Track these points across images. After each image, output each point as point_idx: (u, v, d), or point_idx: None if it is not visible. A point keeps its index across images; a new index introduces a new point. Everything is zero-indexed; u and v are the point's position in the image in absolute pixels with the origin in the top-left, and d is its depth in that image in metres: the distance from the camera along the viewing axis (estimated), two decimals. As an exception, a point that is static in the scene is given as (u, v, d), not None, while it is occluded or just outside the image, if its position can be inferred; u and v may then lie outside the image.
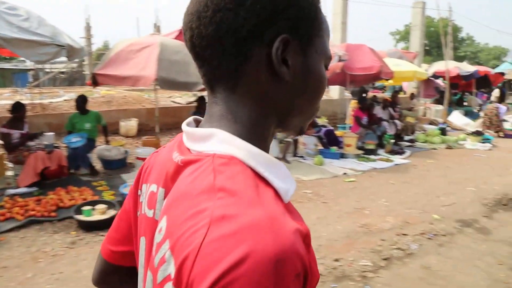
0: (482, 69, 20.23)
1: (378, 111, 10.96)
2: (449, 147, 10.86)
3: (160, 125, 10.80)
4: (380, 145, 10.01)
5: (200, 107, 8.11)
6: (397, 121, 11.07)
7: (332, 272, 4.06)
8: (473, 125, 14.30)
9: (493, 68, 34.11)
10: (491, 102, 20.17)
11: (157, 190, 0.71)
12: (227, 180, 0.55)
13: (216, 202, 0.52)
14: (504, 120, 14.24)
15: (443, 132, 12.22)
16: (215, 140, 0.62)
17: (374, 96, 13.82)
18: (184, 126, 0.70)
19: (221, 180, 0.55)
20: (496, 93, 23.70)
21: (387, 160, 8.96)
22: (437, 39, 32.95)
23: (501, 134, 13.23)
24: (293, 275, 0.48)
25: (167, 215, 0.59)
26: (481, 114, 15.66)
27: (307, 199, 6.29)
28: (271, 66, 0.62)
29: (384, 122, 10.66)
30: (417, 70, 13.03)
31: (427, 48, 41.50)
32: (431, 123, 14.76)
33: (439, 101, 17.46)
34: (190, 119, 0.73)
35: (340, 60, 8.57)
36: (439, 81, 18.65)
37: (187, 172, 0.61)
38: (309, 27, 0.65)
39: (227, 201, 0.52)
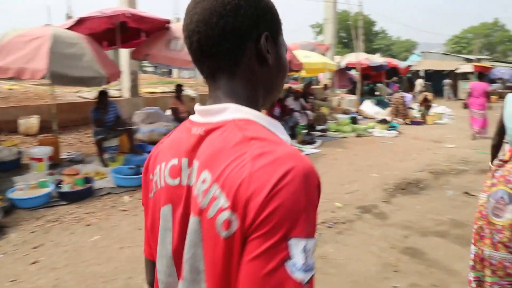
0: (392, 61, 21.37)
1: (290, 102, 11.03)
2: (358, 135, 11.23)
3: (66, 121, 10.01)
4: (292, 136, 10.08)
5: (101, 102, 7.55)
6: (308, 112, 11.22)
7: None
8: (383, 113, 15.00)
9: (404, 60, 36.52)
10: (420, 92, 21.72)
11: (179, 162, 0.85)
12: (253, 132, 0.76)
13: (251, 147, 0.73)
14: (411, 108, 15.11)
15: (353, 121, 12.63)
16: (229, 111, 0.81)
17: (290, 87, 13.95)
18: (197, 107, 0.88)
19: (249, 132, 0.76)
20: (420, 82, 25.36)
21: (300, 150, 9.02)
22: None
23: (407, 121, 13.99)
24: (315, 185, 0.72)
25: (208, 168, 0.76)
26: (390, 102, 16.50)
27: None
28: (259, 56, 0.85)
29: (296, 113, 10.75)
30: (327, 62, 13.35)
31: (345, 41, 43.39)
32: (345, 112, 15.25)
33: (352, 91, 18.13)
34: (196, 108, 0.89)
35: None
36: (352, 73, 19.39)
37: (214, 136, 0.80)
38: (276, 26, 0.89)
39: (260, 144, 0.73)
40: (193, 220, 0.79)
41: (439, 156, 8.87)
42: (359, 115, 14.85)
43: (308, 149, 9.37)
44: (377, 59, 18.53)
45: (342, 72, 19.47)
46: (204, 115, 0.85)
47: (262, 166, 0.70)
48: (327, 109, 14.42)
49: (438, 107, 16.84)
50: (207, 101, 0.88)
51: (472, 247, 2.88)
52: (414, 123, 13.96)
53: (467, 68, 26.56)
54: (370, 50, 28.26)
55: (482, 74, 12.39)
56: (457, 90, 26.56)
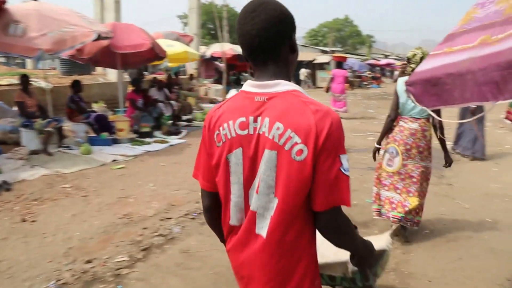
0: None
1: (153, 92, 10.60)
2: (224, 124, 11.27)
3: None
4: (157, 127, 9.71)
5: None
6: (173, 102, 10.93)
7: (81, 278, 3.47)
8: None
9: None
10: (305, 82, 22.82)
11: (246, 119, 1.30)
12: (304, 98, 1.26)
13: (309, 106, 1.23)
14: None
15: (219, 110, 12.66)
16: (281, 85, 1.28)
17: (155, 78, 13.43)
18: (251, 83, 1.34)
19: (303, 99, 1.26)
20: (303, 72, 26.52)
21: (162, 142, 8.72)
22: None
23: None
24: (343, 128, 1.24)
25: (279, 121, 1.23)
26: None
27: (65, 195, 5.46)
28: (291, 48, 1.34)
29: (160, 104, 10.37)
30: (190, 51, 13.16)
31: (213, 32, 43.45)
32: (211, 102, 15.31)
33: (218, 81, 18.27)
34: (248, 83, 1.36)
35: (101, 38, 7.77)
36: (218, 63, 19.55)
37: (277, 101, 1.27)
38: (295, 32, 1.36)
39: (312, 105, 1.23)
40: (268, 153, 1.25)
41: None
42: (225, 104, 15.03)
43: (174, 139, 9.11)
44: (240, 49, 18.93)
45: (208, 62, 19.50)
46: (261, 88, 1.30)
47: (319, 118, 1.21)
48: (194, 99, 14.27)
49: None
50: (258, 80, 1.32)
51: (374, 188, 4.25)
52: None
53: (324, 58, 28.94)
54: (236, 42, 28.91)
55: (340, 63, 13.72)
56: (315, 79, 28.73)
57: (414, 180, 3.94)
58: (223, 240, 1.56)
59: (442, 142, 4.03)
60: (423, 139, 3.93)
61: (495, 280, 3.41)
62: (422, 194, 4.00)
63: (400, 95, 3.95)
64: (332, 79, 12.56)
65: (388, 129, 4.10)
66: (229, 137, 1.33)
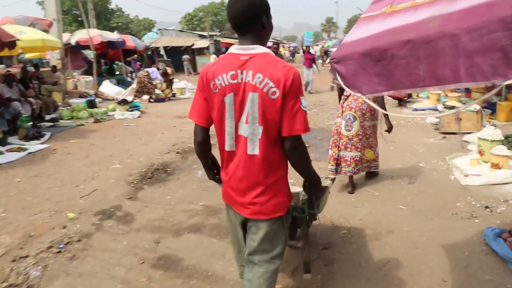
0: (128, 38, 20.25)
1: (3, 90, 8.70)
2: (97, 121, 9.86)
3: None
4: (13, 131, 7.97)
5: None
6: (32, 99, 9.12)
7: None
8: (125, 93, 13.91)
9: (142, 37, 35.85)
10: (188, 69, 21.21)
11: (236, 72, 1.83)
12: (275, 57, 1.86)
13: (279, 62, 1.82)
14: (155, 86, 14.24)
15: (91, 104, 11.11)
16: (259, 48, 1.84)
17: (7, 72, 11.20)
18: (236, 47, 1.88)
19: (274, 58, 1.85)
20: (185, 59, 24.78)
21: (19, 150, 7.07)
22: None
23: (151, 99, 13.32)
24: (300, 77, 1.87)
25: (260, 72, 1.78)
26: (135, 81, 15.48)
27: None
28: (263, 26, 1.89)
29: (14, 103, 8.52)
30: (48, 39, 11.24)
31: (80, 19, 39.37)
32: (82, 96, 13.47)
33: (88, 72, 16.28)
34: (233, 47, 1.90)
35: None
36: (87, 52, 17.45)
37: (257, 59, 1.82)
38: (269, 10, 1.92)
39: (281, 62, 1.83)
40: (252, 94, 1.81)
41: (184, 132, 8.46)
42: (98, 97, 13.36)
43: (34, 145, 7.48)
44: (111, 35, 17.07)
45: (75, 52, 17.28)
46: (244, 50, 1.85)
47: (286, 71, 1.77)
48: (59, 94, 12.36)
49: (179, 82, 16.84)
50: (242, 45, 1.87)
51: (330, 151, 5.02)
52: (158, 100, 13.42)
53: (203, 43, 27.96)
54: (108, 29, 26.51)
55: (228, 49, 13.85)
56: (195, 65, 27.68)
57: (368, 136, 4.93)
58: (209, 168, 2.23)
59: (383, 108, 4.74)
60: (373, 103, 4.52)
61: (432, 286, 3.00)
62: (375, 145, 5.08)
63: None
64: None
65: (340, 98, 4.99)
66: (223, 85, 1.86)
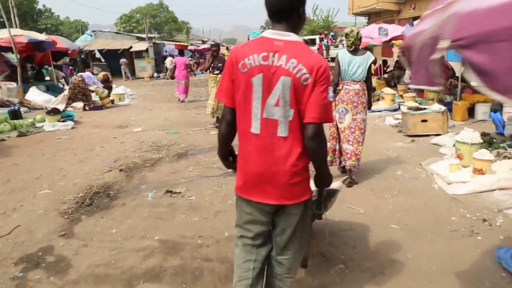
0: (59, 39, 18.48)
1: None
2: (22, 134, 8.42)
3: None
4: None
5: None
6: None
7: None
8: (55, 101, 12.43)
9: (75, 39, 33.51)
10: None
11: (268, 54, 1.86)
12: (309, 48, 1.98)
13: (312, 52, 1.91)
14: (92, 91, 12.82)
15: (14, 115, 9.61)
16: (293, 36, 1.90)
17: None
18: (271, 32, 1.92)
19: (308, 47, 1.95)
20: (122, 62, 23.03)
21: None
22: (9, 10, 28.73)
23: (87, 107, 12.01)
24: (329, 68, 1.94)
25: (294, 57, 1.84)
26: (66, 87, 13.95)
27: None
28: (299, 16, 1.94)
29: None
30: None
31: (1, 20, 35.99)
32: (4, 105, 11.83)
33: (12, 78, 14.50)
34: (267, 32, 1.93)
35: None
36: (10, 55, 15.60)
37: (291, 45, 1.87)
38: (304, 6, 1.96)
39: (315, 53, 1.92)
40: (284, 78, 1.85)
41: (127, 145, 7.44)
42: (24, 106, 11.83)
43: None
44: (38, 36, 15.36)
45: (-6, 55, 15.36)
46: (279, 36, 1.88)
47: (318, 60, 1.85)
48: (-24, 104, 10.72)
49: (118, 88, 15.51)
50: (276, 31, 1.91)
51: (328, 143, 5.06)
52: (94, 108, 12.10)
53: (141, 46, 26.49)
54: (36, 30, 24.25)
55: (182, 51, 13.99)
56: (134, 69, 26.16)
57: (362, 130, 5.02)
58: (226, 157, 2.22)
59: (370, 93, 5.11)
60: (363, 96, 4.96)
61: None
62: (362, 141, 5.09)
63: (341, 63, 4.92)
64: (175, 67, 13.34)
65: (334, 93, 5.01)
66: (253, 65, 1.88)
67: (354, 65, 4.84)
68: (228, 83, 1.97)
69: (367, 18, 28.13)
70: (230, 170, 2.28)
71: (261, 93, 1.88)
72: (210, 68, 8.63)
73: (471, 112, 8.68)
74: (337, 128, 5.07)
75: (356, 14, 28.10)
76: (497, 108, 8.72)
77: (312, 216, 2.52)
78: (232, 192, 4.77)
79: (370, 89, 5.10)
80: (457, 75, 11.60)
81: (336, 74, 4.91)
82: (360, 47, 4.99)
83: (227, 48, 40.95)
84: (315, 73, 1.81)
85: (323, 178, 2.08)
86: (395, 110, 9.75)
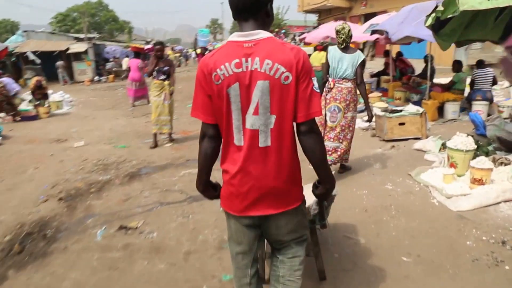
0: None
1: None
2: None
3: None
4: None
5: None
6: None
7: None
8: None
9: (4, 41, 30.76)
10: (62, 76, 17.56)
11: (240, 60, 1.71)
12: (281, 41, 1.80)
13: (286, 46, 1.76)
14: (15, 99, 11.20)
15: None
16: (262, 33, 1.74)
17: None
18: (237, 34, 1.76)
19: (280, 41, 1.78)
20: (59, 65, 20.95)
21: None
22: None
23: (17, 118, 10.55)
24: (308, 58, 1.81)
25: (268, 58, 1.70)
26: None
27: None
28: (267, 13, 1.80)
29: None
30: None
31: None
32: None
33: None
34: (234, 35, 1.78)
35: None
36: None
37: (262, 44, 1.72)
38: (271, 3, 1.83)
39: (288, 45, 1.78)
40: (262, 83, 1.71)
41: (67, 164, 6.28)
42: None
43: None
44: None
45: None
46: (247, 36, 1.73)
47: (295, 53, 1.72)
48: None
49: (55, 94, 13.96)
50: (243, 31, 1.76)
51: None
52: (25, 118, 10.61)
53: (80, 47, 24.59)
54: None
55: (138, 53, 13.03)
56: (72, 72, 24.24)
57: (351, 128, 4.99)
58: (205, 180, 1.98)
59: (366, 100, 4.99)
60: (355, 94, 4.88)
61: None
62: (351, 138, 5.08)
63: (331, 61, 4.79)
64: (129, 69, 12.87)
65: (322, 91, 4.92)
66: (227, 75, 1.72)
67: (344, 63, 4.72)
68: (203, 98, 1.82)
69: (317, 15, 28.06)
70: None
71: (240, 103, 1.76)
72: (155, 72, 6.90)
73: (440, 111, 8.34)
74: (325, 127, 4.95)
75: (307, 12, 27.94)
76: (465, 106, 8.46)
77: (316, 227, 2.71)
78: (201, 224, 3.96)
79: (364, 96, 4.94)
80: (416, 73, 11.43)
81: (325, 72, 4.87)
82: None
83: (172, 49, 39.44)
84: (295, 69, 1.71)
85: (325, 180, 1.91)
86: (361, 111, 9.25)
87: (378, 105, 7.92)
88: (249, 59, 1.70)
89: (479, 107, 7.92)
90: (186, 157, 6.41)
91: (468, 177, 4.69)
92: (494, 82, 8.21)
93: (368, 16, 19.14)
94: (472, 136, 6.13)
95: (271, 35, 1.77)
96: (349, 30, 4.76)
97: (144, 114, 10.75)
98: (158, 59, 6.85)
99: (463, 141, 4.73)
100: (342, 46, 4.77)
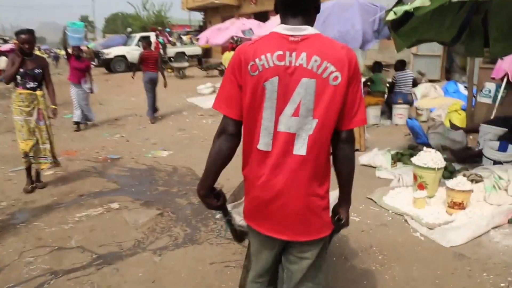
0: None
1: None
2: None
3: None
4: None
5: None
6: None
7: None
8: None
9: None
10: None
11: (284, 53, 1.48)
12: (331, 39, 1.56)
13: (337, 43, 1.53)
14: None
15: None
16: (310, 29, 1.52)
17: None
18: (284, 27, 1.53)
19: (331, 39, 1.56)
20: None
21: None
22: None
23: None
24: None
25: (316, 54, 1.47)
26: None
27: None
28: (317, 9, 1.60)
29: None
30: None
31: None
32: None
33: None
34: (279, 27, 1.54)
35: None
36: None
37: (310, 40, 1.50)
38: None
39: (339, 43, 1.54)
40: (307, 81, 1.48)
41: None
42: None
43: None
44: None
45: None
46: (294, 31, 1.51)
47: (347, 51, 1.51)
48: None
49: None
50: (289, 24, 1.54)
51: None
52: None
53: None
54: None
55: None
56: None
57: None
58: (210, 184, 1.66)
59: None
60: None
61: None
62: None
63: None
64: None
65: None
66: (267, 67, 1.49)
67: None
68: (233, 89, 1.57)
69: (203, 13, 27.05)
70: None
71: (276, 100, 1.51)
72: (19, 78, 4.52)
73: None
74: None
75: (191, 9, 26.79)
76: (385, 110, 8.16)
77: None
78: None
79: None
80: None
81: None
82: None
83: (39, 49, 34.63)
84: (347, 70, 1.48)
85: (348, 198, 1.69)
86: None
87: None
88: (294, 54, 1.49)
89: (401, 111, 7.64)
90: (78, 191, 4.79)
91: (439, 199, 4.07)
92: (414, 84, 8.03)
93: (258, 15, 18.67)
94: (416, 146, 5.66)
95: (319, 32, 1.56)
96: None
97: (9, 130, 8.28)
98: (23, 56, 4.50)
99: (433, 158, 4.07)
100: None
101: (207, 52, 24.13)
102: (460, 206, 3.76)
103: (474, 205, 3.87)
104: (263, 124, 1.53)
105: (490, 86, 6.27)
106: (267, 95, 1.50)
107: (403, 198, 4.14)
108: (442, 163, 4.06)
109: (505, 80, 5.97)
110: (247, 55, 1.51)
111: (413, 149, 5.40)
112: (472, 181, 4.12)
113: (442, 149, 5.44)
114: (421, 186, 4.11)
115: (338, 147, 1.59)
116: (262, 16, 15.55)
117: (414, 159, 4.17)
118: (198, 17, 29.55)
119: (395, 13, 3.82)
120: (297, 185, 1.53)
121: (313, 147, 1.51)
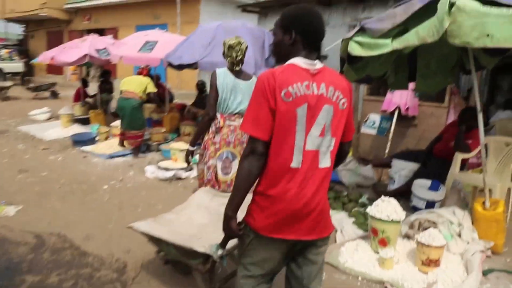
0: None
1: None
2: None
3: None
4: None
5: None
6: None
7: None
8: None
9: None
10: None
11: (309, 82, 1.69)
12: (333, 70, 1.84)
13: (341, 75, 1.87)
14: None
15: None
16: (319, 64, 1.76)
17: None
18: (304, 62, 1.73)
19: (333, 70, 1.83)
20: None
21: None
22: None
23: None
24: None
25: (331, 85, 1.73)
26: None
27: None
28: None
29: None
30: None
31: None
32: None
33: None
34: (300, 61, 1.74)
35: None
36: None
37: (324, 72, 1.74)
38: None
39: (341, 75, 1.88)
40: (328, 107, 1.72)
41: None
42: None
43: None
44: None
45: None
46: (312, 65, 1.74)
47: (347, 82, 1.81)
48: None
49: None
50: (308, 59, 1.75)
51: None
52: None
53: None
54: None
55: None
56: None
57: None
58: (240, 203, 1.76)
59: None
60: None
61: None
62: None
63: (221, 91, 3.46)
64: None
65: (205, 130, 3.63)
66: (299, 94, 1.67)
67: (238, 94, 3.53)
68: (264, 112, 1.68)
69: (24, 26, 22.98)
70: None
71: (305, 124, 1.70)
72: None
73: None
74: (216, 183, 3.62)
75: (9, 20, 22.56)
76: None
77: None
78: None
79: None
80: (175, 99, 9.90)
81: (212, 104, 3.51)
82: None
83: None
84: (349, 95, 1.80)
85: None
86: (123, 155, 6.82)
87: (180, 146, 5.95)
88: (314, 84, 1.72)
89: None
90: None
91: (401, 254, 3.49)
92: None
93: (94, 32, 16.35)
94: (333, 187, 5.11)
95: (324, 65, 1.82)
96: (247, 47, 3.57)
97: None
98: None
99: (392, 208, 3.47)
100: (237, 69, 3.52)
101: (29, 70, 20.34)
102: (436, 263, 3.22)
103: (444, 258, 3.40)
104: (296, 145, 1.70)
105: (374, 117, 6.24)
106: (298, 119, 1.69)
107: (362, 257, 3.41)
108: (403, 213, 3.50)
109: (396, 113, 5.99)
110: (279, 82, 1.67)
111: (336, 192, 4.81)
112: (425, 229, 3.67)
113: (357, 186, 5.03)
114: (383, 242, 3.44)
115: (342, 156, 1.96)
116: (98, 34, 13.40)
117: (371, 211, 3.49)
118: (17, 30, 25.08)
119: (360, 46, 3.27)
120: (321, 193, 1.77)
121: (332, 159, 1.80)
